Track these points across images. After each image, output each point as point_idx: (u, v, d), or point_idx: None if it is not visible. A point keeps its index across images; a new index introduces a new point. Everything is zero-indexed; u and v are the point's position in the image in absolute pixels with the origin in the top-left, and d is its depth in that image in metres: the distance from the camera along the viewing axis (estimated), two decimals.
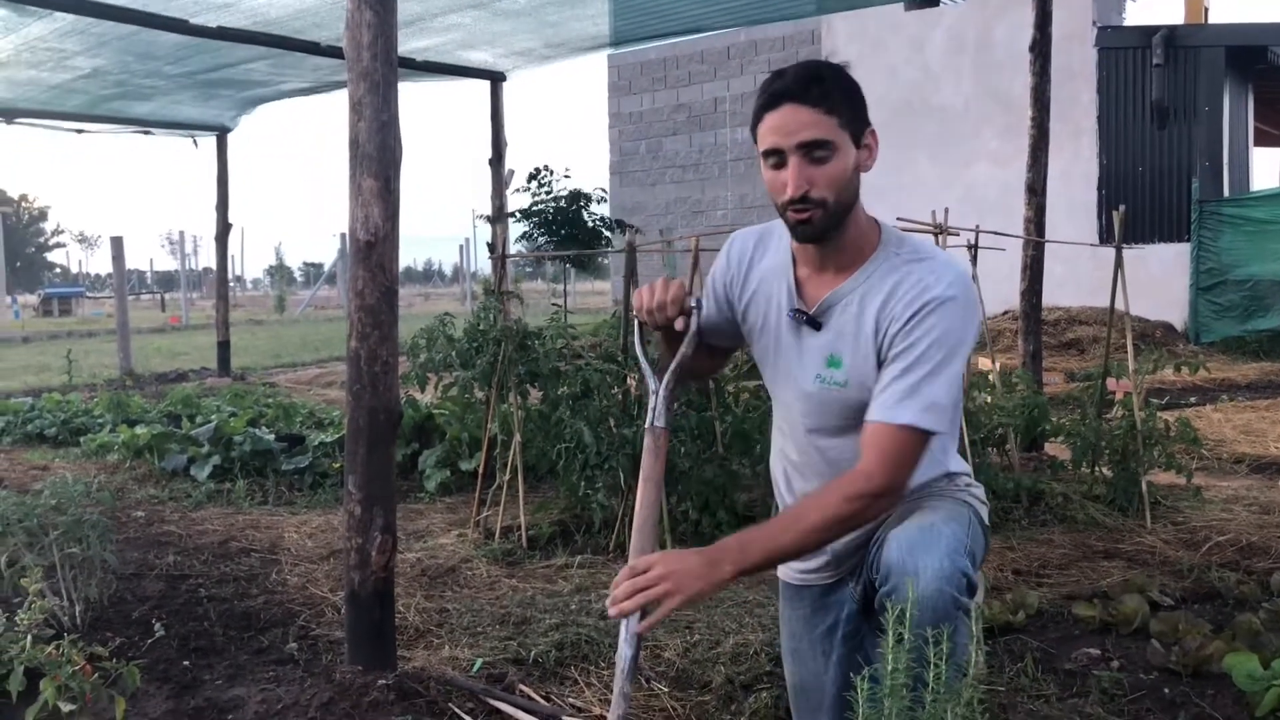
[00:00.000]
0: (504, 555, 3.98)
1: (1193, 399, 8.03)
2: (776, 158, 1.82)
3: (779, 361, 2.01)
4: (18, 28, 6.91)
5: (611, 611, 1.74)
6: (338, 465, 5.25)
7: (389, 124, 2.67)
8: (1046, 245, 6.05)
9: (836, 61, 1.88)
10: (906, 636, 1.55)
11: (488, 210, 8.75)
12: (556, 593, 3.53)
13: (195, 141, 11.59)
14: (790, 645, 2.16)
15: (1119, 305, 4.70)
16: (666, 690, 2.68)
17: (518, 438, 4.22)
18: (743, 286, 2.06)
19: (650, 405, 1.98)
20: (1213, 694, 2.61)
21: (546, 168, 9.89)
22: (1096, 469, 4.74)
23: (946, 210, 4.49)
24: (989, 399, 5.01)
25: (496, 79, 8.71)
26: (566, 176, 10.21)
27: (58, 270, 73.30)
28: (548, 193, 9.83)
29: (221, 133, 11.22)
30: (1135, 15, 14.37)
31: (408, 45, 7.33)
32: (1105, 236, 12.09)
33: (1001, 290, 7.33)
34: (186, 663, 2.91)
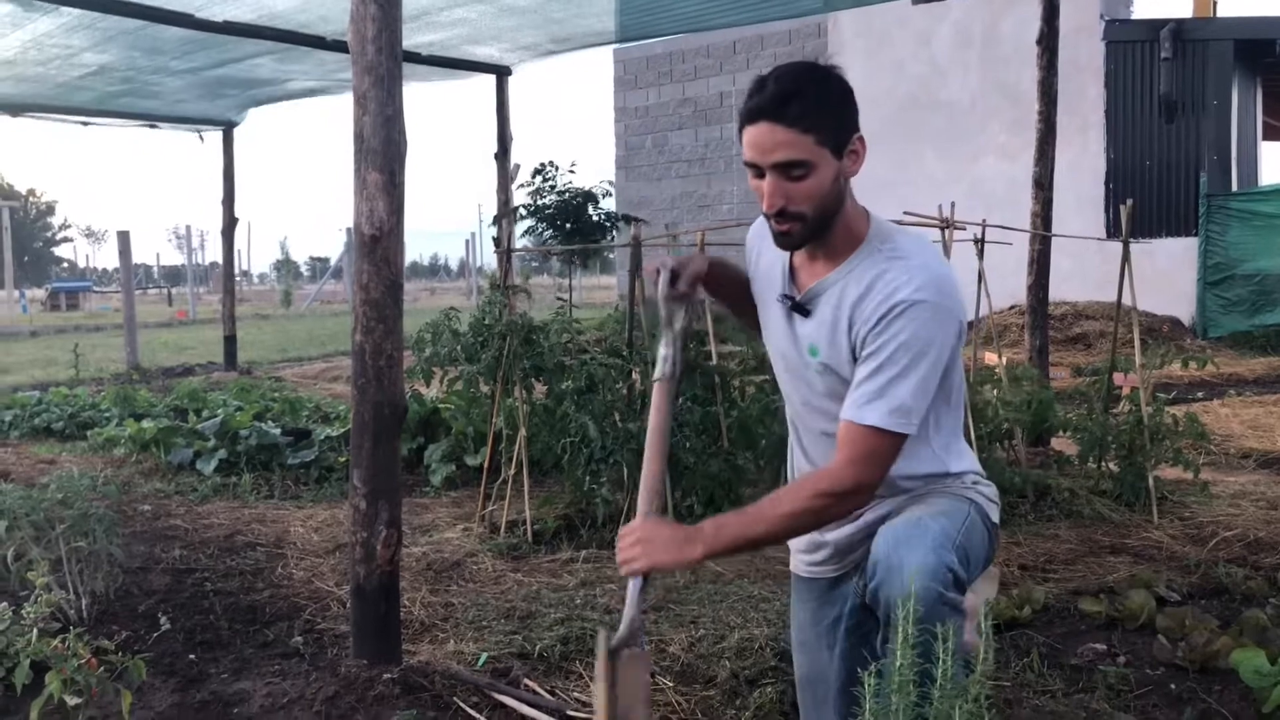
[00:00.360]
0: (509, 550, 3.98)
1: (1200, 394, 8.01)
2: (755, 170, 1.86)
3: (774, 344, 2.06)
4: (24, 23, 6.92)
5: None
6: (343, 459, 5.25)
7: (393, 118, 2.66)
8: (1053, 239, 6.03)
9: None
10: (909, 632, 1.55)
11: (493, 204, 8.76)
12: (561, 587, 3.53)
13: (201, 136, 11.61)
14: (798, 638, 2.16)
15: (1126, 300, 4.68)
16: (671, 685, 2.68)
17: (523, 432, 4.22)
18: (754, 273, 2.12)
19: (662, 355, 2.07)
20: (1220, 690, 2.60)
21: (552, 163, 9.88)
22: (1103, 464, 4.73)
23: (953, 204, 4.48)
24: (995, 394, 5.00)
25: (502, 73, 8.70)
26: (572, 172, 10.20)
27: (65, 265, 73.47)
28: (553, 188, 9.81)
29: (228, 127, 11.23)
30: (1143, 8, 14.31)
31: (413, 40, 7.32)
32: (1112, 231, 12.04)
33: (1008, 285, 7.30)
34: (192, 656, 2.92)
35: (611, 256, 19.22)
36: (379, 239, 2.65)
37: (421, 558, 3.90)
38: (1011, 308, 11.06)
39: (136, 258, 14.77)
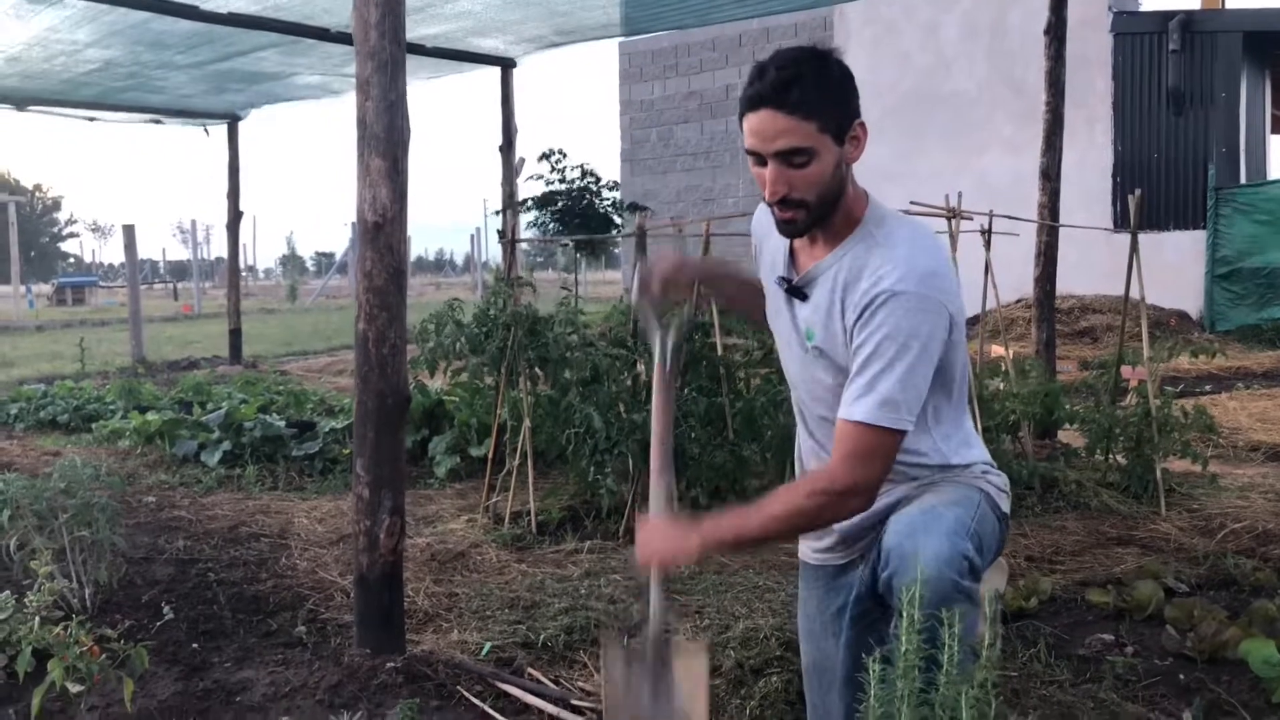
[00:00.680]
0: (513, 540, 3.97)
1: (1208, 387, 7.97)
2: (757, 158, 1.84)
3: (776, 328, 2.06)
4: (29, 16, 6.91)
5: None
6: (348, 451, 5.24)
7: (396, 104, 2.65)
8: (1060, 232, 5.99)
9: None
10: (916, 618, 1.53)
11: (498, 198, 8.74)
12: (566, 577, 3.52)
13: (207, 130, 11.61)
14: (805, 626, 2.15)
15: (1134, 292, 4.65)
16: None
17: (527, 423, 4.21)
18: (758, 258, 2.12)
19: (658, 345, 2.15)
20: (1228, 680, 2.58)
21: (560, 151, 9.84)
22: (1110, 456, 4.70)
23: (960, 194, 4.45)
24: (1002, 386, 4.97)
25: (507, 65, 8.68)
26: (584, 167, 10.12)
27: (71, 260, 73.64)
28: (560, 179, 9.77)
29: (233, 120, 11.23)
30: (1151, 0, 14.22)
31: (418, 32, 7.31)
32: (1120, 224, 11.99)
33: (1014, 279, 7.25)
34: (195, 645, 2.91)
35: (617, 251, 19.20)
36: (382, 226, 2.64)
37: (426, 548, 3.89)
38: (1018, 301, 11.01)
39: (142, 253, 14.79)
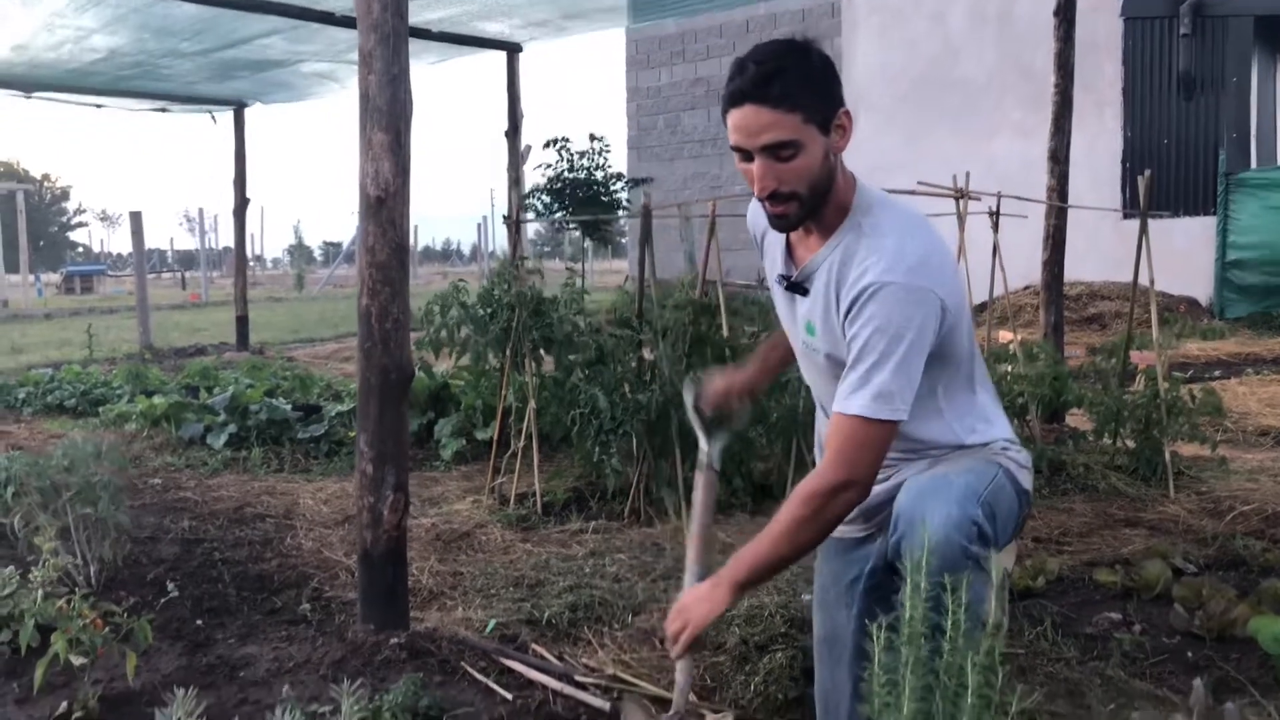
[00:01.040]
0: (519, 521, 3.97)
1: (1217, 372, 7.92)
2: (743, 154, 1.82)
3: (784, 325, 2.07)
4: (34, 2, 6.91)
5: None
6: (354, 434, 5.23)
7: (399, 77, 2.63)
8: (1069, 218, 5.94)
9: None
10: (922, 584, 1.51)
11: (505, 186, 8.71)
12: (570, 556, 3.51)
13: (214, 117, 11.61)
14: (819, 597, 2.13)
15: (1143, 276, 4.61)
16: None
17: (532, 404, 4.20)
18: (761, 250, 2.12)
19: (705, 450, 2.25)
20: (1237, 658, 2.56)
21: (565, 137, 9.81)
22: (1119, 439, 4.67)
23: (968, 174, 4.41)
24: (1010, 369, 4.94)
25: (513, 50, 8.66)
26: (606, 149, 10.05)
27: (80, 249, 73.81)
28: (569, 167, 9.74)
29: (239, 107, 11.22)
30: None
31: (424, 15, 7.29)
32: (1130, 210, 11.91)
33: (1022, 265, 7.21)
34: (199, 622, 2.91)
35: (624, 241, 19.18)
36: (384, 200, 2.62)
37: (431, 528, 3.89)
38: (1026, 288, 10.96)
39: (150, 242, 14.82)
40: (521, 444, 4.27)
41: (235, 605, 3.07)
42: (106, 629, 2.33)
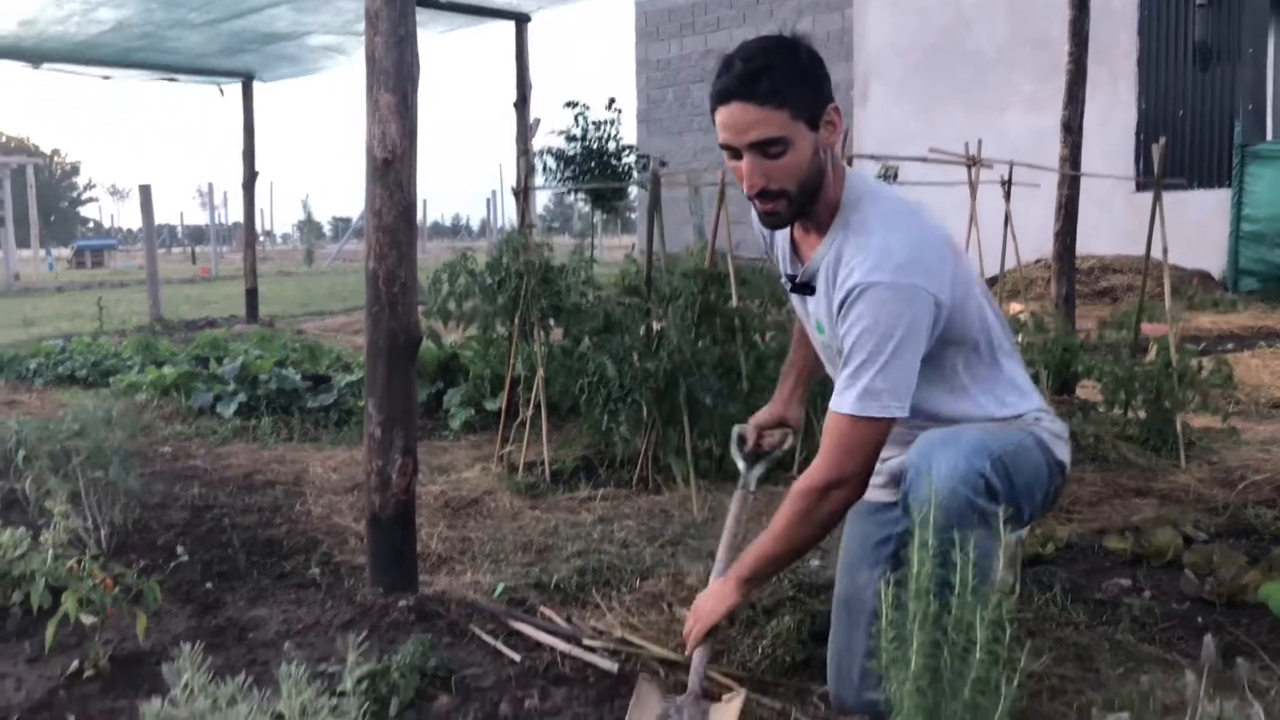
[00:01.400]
0: (527, 488, 3.97)
1: (1230, 345, 7.88)
2: (732, 152, 1.83)
3: (801, 321, 2.14)
4: None
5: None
6: (363, 403, 5.24)
7: (406, 39, 2.60)
8: (1081, 191, 5.89)
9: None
10: (931, 541, 1.50)
11: (513, 165, 8.65)
12: (579, 523, 3.51)
13: (221, 90, 11.58)
14: (844, 559, 2.13)
15: (1156, 247, 4.56)
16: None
17: (540, 372, 4.19)
18: (771, 250, 2.14)
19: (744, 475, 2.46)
20: (1248, 623, 2.55)
21: (584, 103, 9.73)
22: (1129, 410, 4.65)
23: (980, 141, 4.37)
24: (1020, 339, 4.92)
25: (521, 20, 8.60)
26: (617, 111, 9.97)
27: (90, 224, 73.94)
28: (583, 134, 9.67)
29: (247, 80, 11.18)
30: None
31: None
32: (1143, 184, 11.82)
33: (1034, 238, 7.13)
34: (209, 585, 2.92)
35: (633, 216, 19.10)
36: (391, 163, 2.60)
37: (439, 495, 3.89)
38: (1037, 261, 10.89)
39: (160, 217, 14.82)
40: (530, 413, 4.27)
41: (244, 569, 3.08)
42: (117, 589, 2.34)
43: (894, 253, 1.77)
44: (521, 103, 8.72)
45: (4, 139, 66.89)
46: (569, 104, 9.71)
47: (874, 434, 1.79)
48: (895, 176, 4.15)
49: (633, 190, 10.08)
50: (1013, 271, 5.98)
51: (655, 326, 4.18)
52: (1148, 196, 4.61)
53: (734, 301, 4.30)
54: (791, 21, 14.31)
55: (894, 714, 1.50)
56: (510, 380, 4.46)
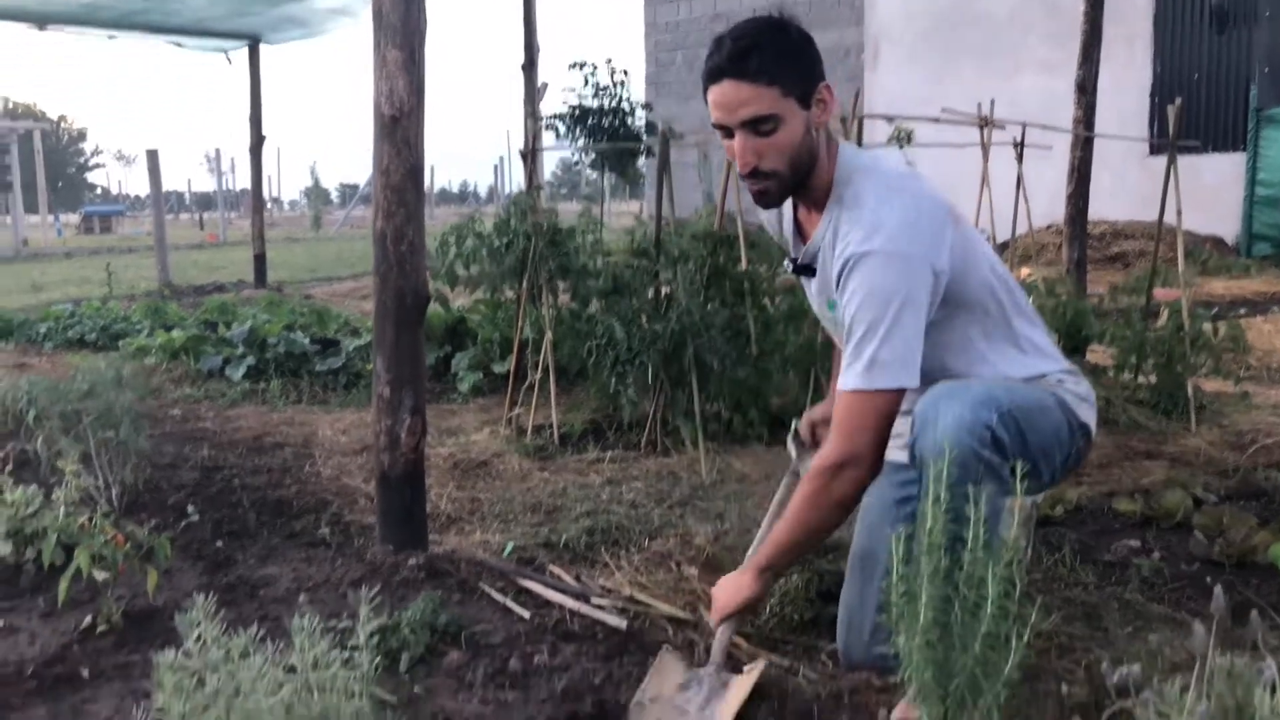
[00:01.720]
0: (536, 450, 3.97)
1: (1242, 310, 7.83)
2: (724, 131, 1.83)
3: (812, 304, 2.12)
4: None
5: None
6: (371, 366, 5.25)
7: None
8: (1094, 156, 5.83)
9: None
10: (942, 494, 1.50)
11: (520, 132, 8.58)
12: (588, 484, 3.52)
13: (229, 57, 11.52)
14: (862, 514, 2.13)
15: (1170, 210, 4.52)
16: (696, 574, 2.66)
17: (549, 335, 4.18)
18: (778, 234, 2.14)
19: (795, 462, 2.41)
20: (1257, 583, 2.55)
21: (592, 63, 9.62)
22: (1140, 374, 4.62)
23: (993, 101, 4.32)
24: (1030, 303, 4.88)
25: None
26: (624, 74, 9.87)
27: (98, 191, 73.90)
28: (593, 93, 9.56)
29: (253, 43, 11.10)
30: None
31: None
32: (1157, 148, 11.70)
33: (1045, 204, 7.11)
34: (219, 544, 2.94)
35: (642, 182, 19.02)
36: (399, 119, 2.58)
37: (448, 457, 3.90)
38: (1048, 227, 10.82)
39: (168, 184, 14.82)
40: (538, 376, 4.27)
41: (255, 529, 3.10)
42: (128, 546, 2.35)
43: (886, 223, 1.77)
44: (529, 66, 8.63)
45: (11, 105, 66.73)
46: (575, 64, 9.60)
47: (883, 407, 1.78)
48: (910, 139, 4.12)
49: (642, 158, 9.98)
50: (1024, 237, 5.95)
51: (664, 290, 4.16)
52: (1161, 161, 4.56)
53: (743, 265, 4.28)
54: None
55: (903, 668, 1.50)
56: (518, 344, 4.45)
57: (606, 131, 9.29)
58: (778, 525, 1.96)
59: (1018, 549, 1.48)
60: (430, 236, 3.23)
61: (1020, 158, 4.75)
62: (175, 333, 6.10)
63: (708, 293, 4.15)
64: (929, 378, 1.83)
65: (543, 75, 8.98)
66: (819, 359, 4.16)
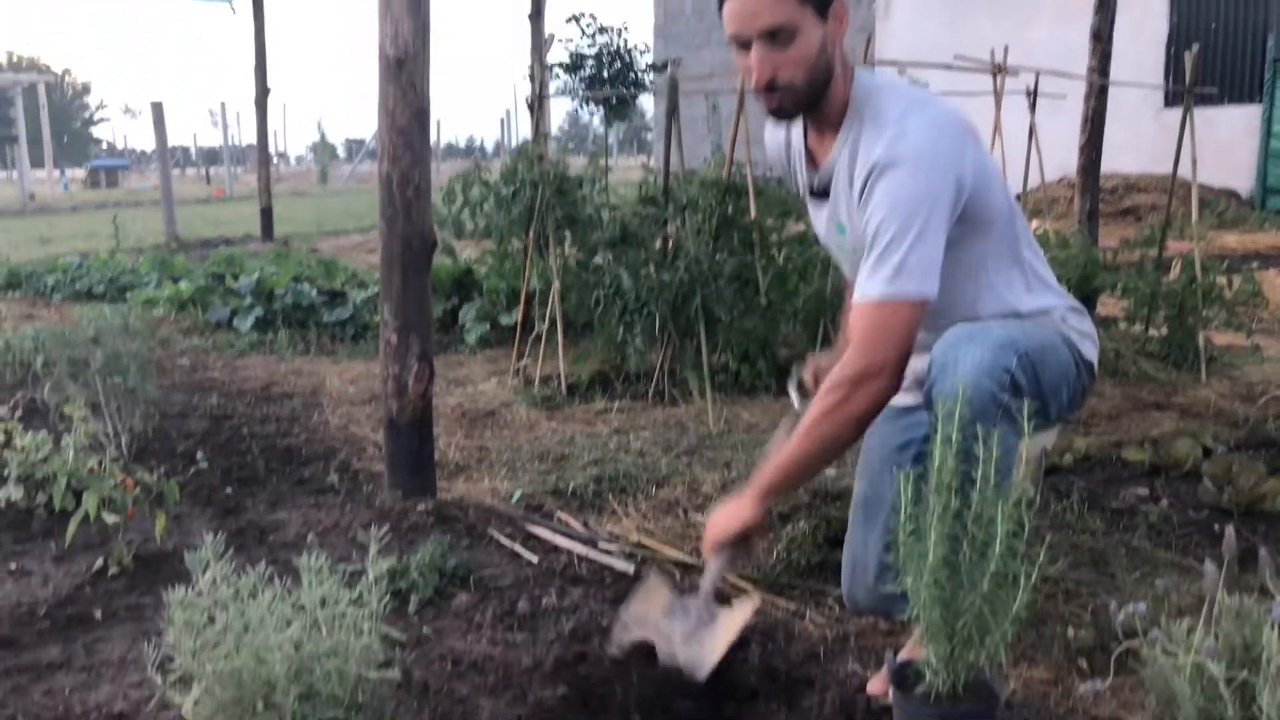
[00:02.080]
0: (543, 400, 3.97)
1: (1255, 264, 7.77)
2: (741, 46, 1.78)
3: (822, 236, 2.05)
4: None
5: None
6: (379, 318, 5.24)
7: None
8: (1108, 109, 5.73)
9: None
10: (954, 437, 1.49)
11: (526, 88, 8.46)
12: (595, 434, 3.52)
13: (233, 6, 11.41)
14: (864, 460, 2.12)
15: (1185, 161, 4.45)
16: (703, 520, 2.67)
17: (556, 285, 4.16)
18: (786, 168, 2.08)
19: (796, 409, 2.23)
20: (1265, 529, 2.54)
21: (590, 14, 9.50)
22: (1151, 327, 4.60)
23: (1006, 48, 4.25)
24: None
25: None
26: (625, 29, 9.73)
27: (104, 145, 73.59)
28: (590, 43, 9.44)
29: None
30: None
31: None
32: (1172, 100, 11.54)
33: (1058, 157, 7.00)
34: (229, 490, 2.95)
35: (649, 136, 18.85)
36: (404, 62, 2.55)
37: (456, 407, 3.91)
38: (1060, 180, 10.71)
39: (174, 139, 14.73)
40: (545, 327, 4.25)
41: (264, 476, 3.11)
42: (137, 490, 2.36)
43: (912, 131, 1.74)
44: (536, 15, 8.51)
45: (15, 58, 66.26)
46: (572, 18, 9.48)
47: (907, 317, 1.72)
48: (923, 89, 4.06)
49: (648, 110, 9.88)
50: (1035, 190, 5.88)
51: (671, 239, 4.14)
52: (1176, 114, 4.48)
53: (752, 214, 4.25)
54: None
55: (911, 607, 1.50)
56: (525, 294, 4.44)
57: (607, 81, 9.17)
58: (784, 447, 1.85)
59: (1026, 490, 1.48)
60: (436, 189, 3.21)
61: (1033, 107, 4.68)
62: (183, 284, 6.10)
63: (716, 242, 4.12)
64: (933, 307, 1.80)
65: (550, 26, 8.86)
66: (828, 310, 4.14)
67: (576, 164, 5.39)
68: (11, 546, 2.53)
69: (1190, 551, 2.44)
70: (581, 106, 5.21)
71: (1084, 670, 1.90)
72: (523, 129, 28.55)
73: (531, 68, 4.38)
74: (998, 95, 4.21)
